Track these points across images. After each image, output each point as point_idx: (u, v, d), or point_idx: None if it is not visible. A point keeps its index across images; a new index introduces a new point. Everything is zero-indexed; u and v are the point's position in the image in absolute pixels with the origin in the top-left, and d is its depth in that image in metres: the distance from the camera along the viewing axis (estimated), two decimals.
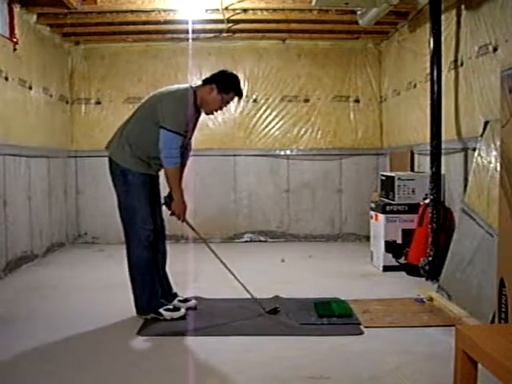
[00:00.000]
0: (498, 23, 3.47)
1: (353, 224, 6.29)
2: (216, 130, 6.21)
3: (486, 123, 3.53)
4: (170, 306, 3.23)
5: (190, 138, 3.31)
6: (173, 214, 3.22)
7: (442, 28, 4.09)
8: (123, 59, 6.19)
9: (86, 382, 2.36)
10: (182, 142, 3.09)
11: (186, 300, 3.43)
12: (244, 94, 5.70)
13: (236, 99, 3.28)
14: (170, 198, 3.22)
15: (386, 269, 4.49)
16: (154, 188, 3.26)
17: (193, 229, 3.36)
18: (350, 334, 2.93)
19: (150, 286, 3.17)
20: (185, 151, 3.24)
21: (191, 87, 3.16)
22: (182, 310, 3.22)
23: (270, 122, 6.26)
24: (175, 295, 3.43)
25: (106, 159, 3.21)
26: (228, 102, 3.23)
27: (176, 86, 3.22)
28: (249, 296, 3.37)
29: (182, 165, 3.21)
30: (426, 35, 4.46)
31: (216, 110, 3.23)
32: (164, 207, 3.29)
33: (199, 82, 3.24)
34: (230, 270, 3.41)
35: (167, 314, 3.16)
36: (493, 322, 2.78)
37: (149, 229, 3.14)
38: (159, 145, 3.03)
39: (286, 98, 6.24)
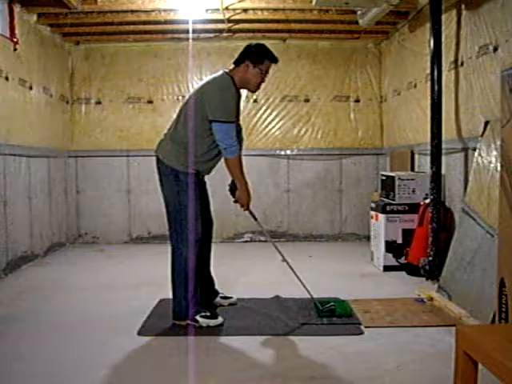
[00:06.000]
0: (498, 23, 3.47)
1: (353, 224, 6.29)
2: None
3: (487, 123, 3.53)
4: (208, 313, 3.13)
5: (239, 120, 3.25)
6: (236, 201, 3.24)
7: (443, 28, 4.09)
8: (123, 59, 6.19)
9: (86, 382, 2.36)
10: (235, 128, 3.09)
11: (227, 297, 3.49)
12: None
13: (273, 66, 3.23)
14: (234, 185, 3.23)
15: (387, 269, 4.49)
16: (202, 186, 3.30)
17: (255, 219, 3.37)
18: (350, 334, 2.93)
19: (192, 292, 3.07)
20: (238, 135, 3.18)
21: (226, 72, 3.15)
22: (220, 319, 3.11)
23: (270, 122, 6.27)
24: (217, 292, 3.48)
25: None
26: (267, 72, 3.20)
27: (211, 77, 3.20)
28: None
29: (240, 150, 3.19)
30: (426, 35, 4.46)
31: (260, 83, 3.22)
32: (229, 194, 3.31)
33: (231, 66, 3.21)
34: (291, 268, 3.40)
35: (203, 321, 3.07)
36: (493, 322, 2.77)
37: (200, 228, 3.09)
38: (216, 138, 3.03)
39: (286, 97, 6.25)
